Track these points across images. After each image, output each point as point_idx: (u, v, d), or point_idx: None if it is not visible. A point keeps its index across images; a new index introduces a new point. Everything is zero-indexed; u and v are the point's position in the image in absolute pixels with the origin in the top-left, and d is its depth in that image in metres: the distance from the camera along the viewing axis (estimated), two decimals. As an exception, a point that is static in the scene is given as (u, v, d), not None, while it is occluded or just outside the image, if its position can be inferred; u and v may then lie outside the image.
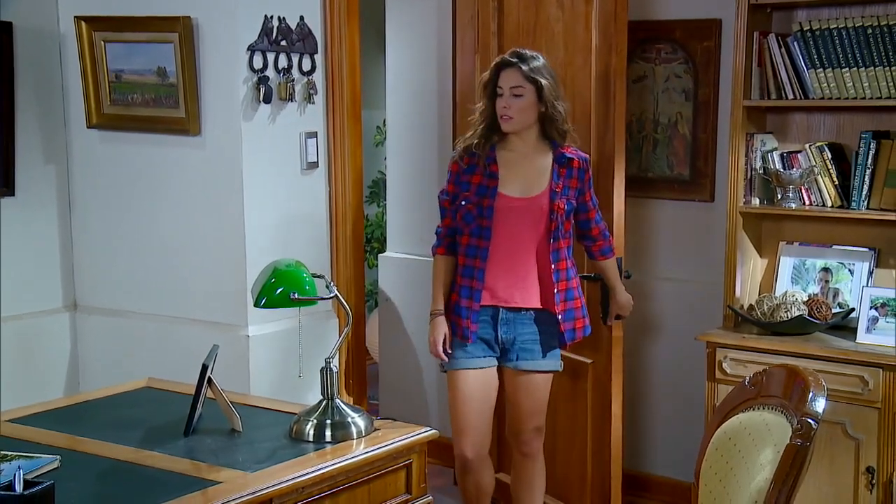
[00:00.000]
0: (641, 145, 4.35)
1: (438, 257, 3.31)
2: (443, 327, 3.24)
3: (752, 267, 3.96)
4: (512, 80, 3.23)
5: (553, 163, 3.31)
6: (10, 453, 2.25)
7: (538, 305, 3.30)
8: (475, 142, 3.27)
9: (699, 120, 4.20)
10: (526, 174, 3.30)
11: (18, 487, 1.80)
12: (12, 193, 3.58)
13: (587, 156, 3.39)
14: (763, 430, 2.17)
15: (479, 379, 3.26)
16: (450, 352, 3.24)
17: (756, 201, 3.88)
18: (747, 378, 2.32)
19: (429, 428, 2.59)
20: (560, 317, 3.31)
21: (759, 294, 3.94)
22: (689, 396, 4.22)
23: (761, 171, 3.86)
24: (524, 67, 3.23)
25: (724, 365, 3.71)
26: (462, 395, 3.24)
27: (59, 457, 2.26)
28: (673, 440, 4.36)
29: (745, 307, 3.87)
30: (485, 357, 3.27)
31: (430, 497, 2.59)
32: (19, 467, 1.90)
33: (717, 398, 3.65)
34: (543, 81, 3.23)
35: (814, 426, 2.02)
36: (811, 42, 3.68)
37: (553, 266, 3.28)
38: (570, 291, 3.34)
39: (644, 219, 4.39)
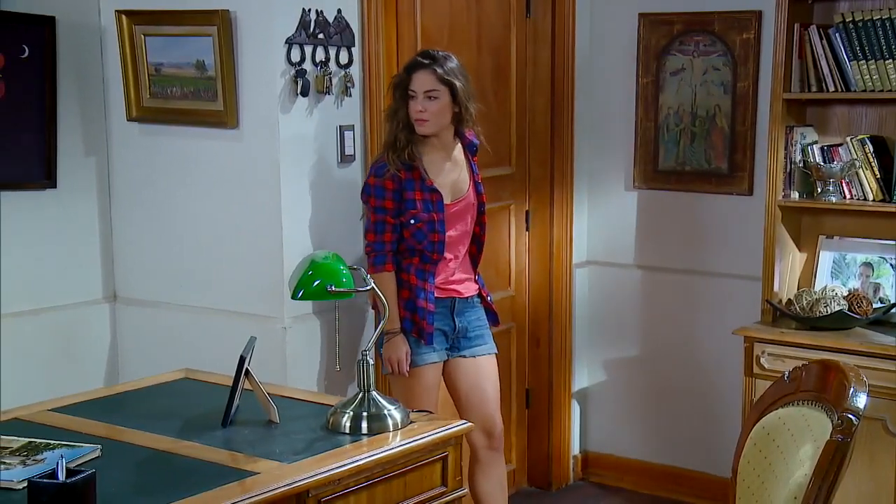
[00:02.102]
0: (679, 138, 4.32)
1: (387, 274, 3.26)
2: (404, 346, 3.28)
3: (790, 261, 3.93)
4: (426, 83, 3.22)
5: (464, 153, 3.41)
6: (52, 442, 2.28)
7: (475, 293, 3.45)
8: (405, 152, 3.25)
9: (738, 113, 4.16)
10: (452, 176, 3.37)
11: (61, 475, 1.83)
12: (54, 185, 3.62)
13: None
14: (802, 426, 2.15)
15: (437, 372, 3.37)
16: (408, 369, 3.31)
17: (795, 195, 3.84)
18: (786, 373, 2.30)
19: (465, 421, 2.59)
20: (489, 298, 3.50)
21: (798, 289, 3.90)
22: (725, 391, 4.19)
23: (801, 165, 3.82)
24: (438, 70, 3.22)
25: (762, 360, 3.68)
26: (424, 388, 3.30)
27: (99, 446, 2.29)
28: (709, 435, 4.34)
29: (784, 302, 3.84)
30: (440, 350, 3.35)
31: (466, 490, 2.60)
32: (62, 456, 1.93)
33: (755, 393, 3.63)
34: (457, 83, 3.23)
35: (855, 422, 2.00)
36: (853, 33, 3.63)
37: (478, 254, 3.48)
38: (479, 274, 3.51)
39: (681, 212, 4.37)
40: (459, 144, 3.39)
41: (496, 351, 3.51)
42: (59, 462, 1.85)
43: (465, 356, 3.40)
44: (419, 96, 3.23)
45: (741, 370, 3.76)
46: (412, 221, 3.27)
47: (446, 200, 3.32)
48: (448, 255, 3.35)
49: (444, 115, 3.26)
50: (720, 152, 4.23)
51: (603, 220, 4.57)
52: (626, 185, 4.50)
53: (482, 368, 3.42)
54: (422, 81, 3.23)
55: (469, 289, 3.44)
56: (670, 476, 4.45)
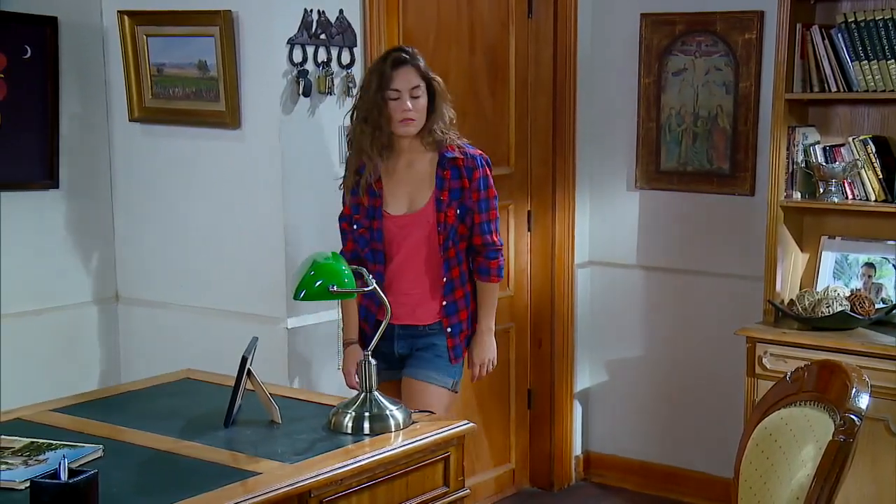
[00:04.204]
0: (681, 139, 4.32)
1: None
2: (354, 356, 3.06)
3: (792, 261, 3.93)
4: (411, 79, 3.00)
5: (436, 167, 3.05)
6: (54, 442, 2.28)
7: (435, 320, 3.10)
8: (373, 157, 3.03)
9: (740, 113, 4.16)
10: (410, 186, 3.07)
11: (63, 476, 1.83)
12: (56, 186, 3.62)
13: (479, 153, 3.11)
14: (805, 427, 2.15)
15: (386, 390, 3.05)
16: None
17: (797, 195, 3.84)
18: (788, 373, 2.30)
19: (466, 421, 2.59)
20: (449, 330, 3.10)
21: (800, 289, 3.90)
22: (727, 391, 4.19)
23: (803, 165, 3.82)
24: (420, 65, 3.01)
25: (764, 360, 3.68)
26: None
27: (101, 446, 2.29)
28: (711, 435, 4.33)
29: (786, 302, 3.84)
30: (385, 370, 3.01)
31: (468, 490, 2.59)
32: (64, 456, 1.93)
33: (757, 393, 3.63)
34: (434, 81, 3.03)
35: (857, 422, 2.00)
36: (856, 33, 3.63)
37: (445, 278, 3.08)
38: (458, 303, 3.11)
39: (683, 212, 4.37)
40: (433, 154, 3.07)
41: (439, 383, 3.11)
42: (62, 462, 1.85)
43: (403, 376, 3.13)
44: (404, 94, 3.00)
45: (743, 370, 3.76)
46: (355, 227, 3.10)
47: (394, 211, 3.07)
48: (403, 272, 3.08)
49: (424, 115, 3.04)
50: (722, 153, 4.23)
51: (605, 221, 4.56)
52: (628, 185, 4.49)
53: (409, 391, 3.08)
54: (406, 78, 3.00)
55: (423, 315, 3.10)
56: (672, 476, 4.45)
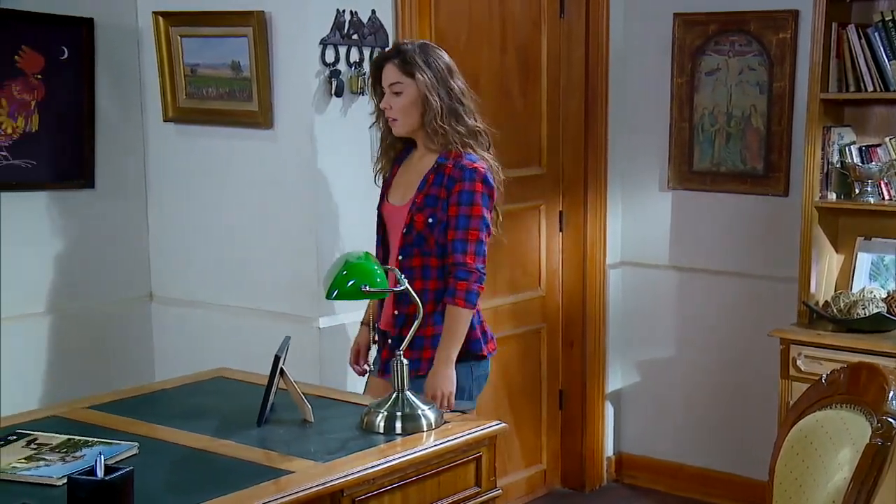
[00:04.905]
0: (714, 139, 4.30)
1: None
2: (359, 338, 3.10)
3: (827, 263, 3.89)
4: (390, 76, 2.91)
5: (429, 168, 2.94)
6: (91, 439, 2.31)
7: (386, 328, 3.00)
8: (381, 151, 3.05)
9: (774, 113, 4.13)
10: (408, 179, 2.99)
11: (100, 472, 1.84)
12: (92, 185, 3.65)
13: (476, 166, 2.89)
14: (841, 429, 2.12)
15: (375, 385, 3.06)
16: (366, 367, 3.11)
17: (833, 196, 3.80)
18: (824, 375, 2.28)
19: (498, 422, 2.58)
20: (390, 342, 2.95)
21: (836, 290, 3.86)
22: (760, 393, 4.16)
23: (838, 165, 3.78)
24: (398, 61, 2.90)
25: (798, 362, 3.65)
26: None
27: (137, 443, 2.30)
28: (744, 437, 4.31)
29: (821, 304, 3.80)
30: (377, 367, 3.07)
31: (500, 490, 2.59)
32: (100, 453, 1.95)
33: (791, 396, 3.60)
34: (418, 74, 2.87)
35: (895, 425, 1.98)
36: (892, 32, 3.59)
37: (399, 284, 2.79)
38: (410, 318, 2.87)
39: (716, 213, 4.34)
40: (436, 155, 2.95)
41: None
42: (98, 459, 1.86)
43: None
44: (386, 92, 2.93)
45: (777, 372, 3.73)
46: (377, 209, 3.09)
47: (391, 200, 3.02)
48: (392, 264, 2.98)
49: (413, 112, 2.91)
50: (756, 153, 4.20)
51: (637, 221, 4.54)
52: (661, 185, 4.47)
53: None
54: (387, 76, 2.92)
55: (385, 318, 3.02)
56: (705, 478, 4.42)
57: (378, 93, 2.99)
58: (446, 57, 2.98)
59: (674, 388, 4.51)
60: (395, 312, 2.96)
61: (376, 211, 3.11)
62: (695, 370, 4.45)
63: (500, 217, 3.03)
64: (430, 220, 2.89)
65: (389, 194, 3.05)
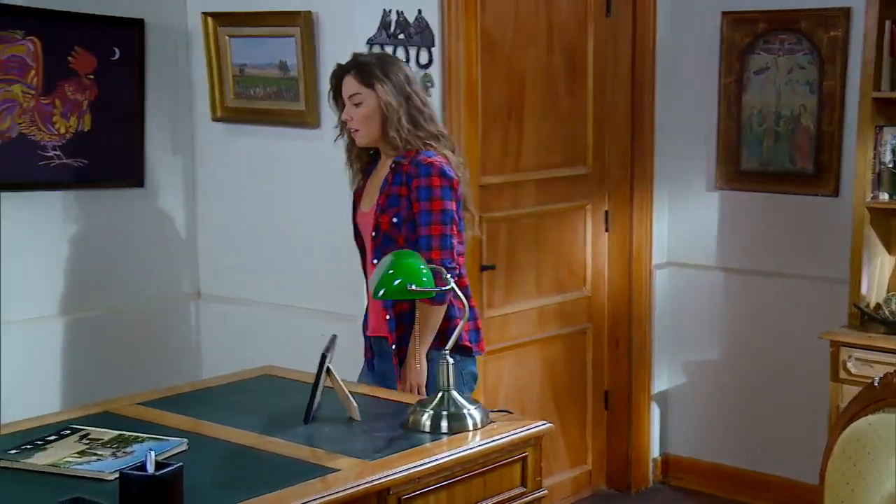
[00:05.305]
0: (762, 139, 4.26)
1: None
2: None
3: (879, 264, 3.83)
4: (349, 88, 2.95)
5: (390, 170, 2.97)
6: (141, 435, 2.34)
7: (381, 333, 3.02)
8: (351, 162, 3.07)
9: (824, 112, 4.08)
10: (374, 186, 3.03)
11: (150, 468, 1.87)
12: (141, 185, 3.70)
13: (431, 161, 2.91)
14: (895, 433, 2.09)
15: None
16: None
17: (885, 196, 3.75)
18: (876, 378, 2.24)
19: (544, 422, 2.58)
20: (394, 347, 2.96)
21: (888, 292, 3.81)
22: (810, 396, 4.11)
23: (890, 165, 3.73)
24: (357, 73, 2.93)
25: (849, 364, 3.60)
26: None
27: (186, 440, 2.33)
28: (793, 440, 4.26)
29: (872, 306, 3.75)
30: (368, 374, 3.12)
31: (546, 491, 2.58)
32: (151, 449, 1.97)
33: (842, 399, 3.55)
34: (378, 84, 2.91)
35: (949, 430, 1.94)
36: (947, 30, 3.53)
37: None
38: (404, 317, 2.93)
39: (764, 213, 4.30)
40: (388, 161, 2.99)
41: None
42: (149, 455, 1.89)
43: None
44: (347, 103, 2.97)
45: (826, 375, 3.68)
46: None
47: (362, 207, 3.06)
48: (368, 271, 3.03)
49: (373, 123, 2.94)
50: (805, 153, 4.15)
51: (683, 221, 4.51)
52: (708, 185, 4.43)
53: None
54: (346, 87, 2.97)
55: (376, 325, 3.05)
56: (753, 481, 4.38)
57: (339, 104, 3.02)
58: (405, 67, 3.02)
59: (721, 389, 4.47)
60: (388, 316, 2.95)
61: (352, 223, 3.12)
62: (743, 372, 4.40)
63: (476, 217, 3.06)
64: (395, 220, 2.92)
65: (361, 203, 3.09)
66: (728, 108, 4.31)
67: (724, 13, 4.28)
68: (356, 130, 2.97)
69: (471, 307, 2.96)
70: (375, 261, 2.94)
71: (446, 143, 3.01)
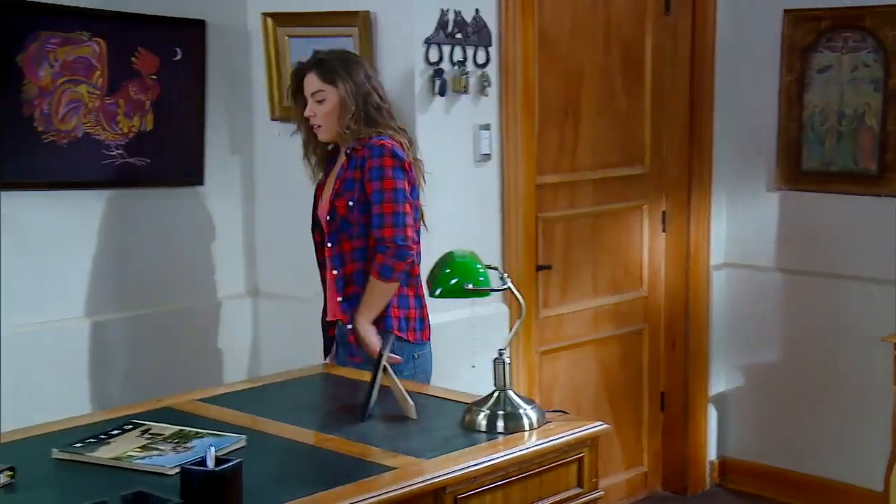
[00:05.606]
0: (824, 138, 4.19)
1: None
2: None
3: (945, 266, 3.76)
4: (311, 85, 3.08)
5: (344, 157, 3.09)
6: (201, 431, 2.37)
7: (338, 316, 3.11)
8: (309, 157, 3.18)
9: (889, 111, 4.01)
10: (333, 178, 3.14)
11: (210, 463, 1.89)
12: (201, 183, 3.75)
13: (383, 143, 3.02)
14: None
15: None
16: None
17: (951, 197, 3.67)
18: (942, 384, 2.20)
19: (601, 422, 2.56)
20: (349, 326, 3.04)
21: (953, 295, 3.73)
22: (871, 400, 4.04)
23: (957, 166, 3.65)
24: (319, 71, 3.05)
25: (913, 369, 3.53)
26: None
27: (244, 436, 2.35)
28: (853, 445, 4.19)
29: (937, 309, 3.67)
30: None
31: (602, 492, 2.57)
32: (211, 445, 1.99)
33: (905, 403, 3.48)
34: (339, 81, 3.02)
35: None
36: None
37: (336, 272, 3.06)
38: (357, 298, 3.04)
39: (826, 214, 4.23)
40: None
41: None
42: (209, 451, 1.91)
43: None
44: (309, 100, 3.08)
45: (889, 378, 3.62)
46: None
47: (322, 201, 3.16)
48: (329, 262, 3.13)
49: (333, 118, 3.05)
50: (869, 153, 4.08)
51: (742, 222, 4.46)
52: (768, 185, 4.38)
53: None
54: (307, 85, 3.09)
55: (333, 309, 3.15)
56: (812, 486, 4.31)
57: (299, 101, 3.13)
58: (366, 65, 3.15)
59: (780, 392, 4.41)
60: (340, 299, 3.07)
61: (311, 217, 3.21)
62: (802, 375, 4.34)
63: (423, 213, 3.15)
64: (350, 203, 3.01)
65: (321, 196, 3.17)
66: (789, 108, 4.25)
67: (786, 11, 4.22)
68: (319, 126, 3.08)
69: (419, 296, 3.10)
70: (330, 244, 3.06)
71: (404, 135, 3.11)
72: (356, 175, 3.02)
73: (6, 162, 3.29)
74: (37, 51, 3.33)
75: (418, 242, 3.11)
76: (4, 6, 3.24)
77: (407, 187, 3.03)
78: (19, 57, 3.29)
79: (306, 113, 3.10)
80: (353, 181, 3.03)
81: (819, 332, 4.27)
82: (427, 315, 3.19)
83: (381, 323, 3.06)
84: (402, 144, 3.07)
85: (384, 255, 2.99)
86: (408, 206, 3.02)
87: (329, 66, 3.05)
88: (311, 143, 3.18)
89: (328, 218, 3.07)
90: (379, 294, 3.01)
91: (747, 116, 4.40)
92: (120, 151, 3.55)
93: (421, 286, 3.13)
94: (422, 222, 3.17)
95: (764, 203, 4.39)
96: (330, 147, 3.21)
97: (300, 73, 3.12)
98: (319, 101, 3.06)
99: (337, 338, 3.19)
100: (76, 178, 3.47)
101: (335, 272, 3.08)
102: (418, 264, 3.13)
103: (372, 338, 3.02)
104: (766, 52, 4.31)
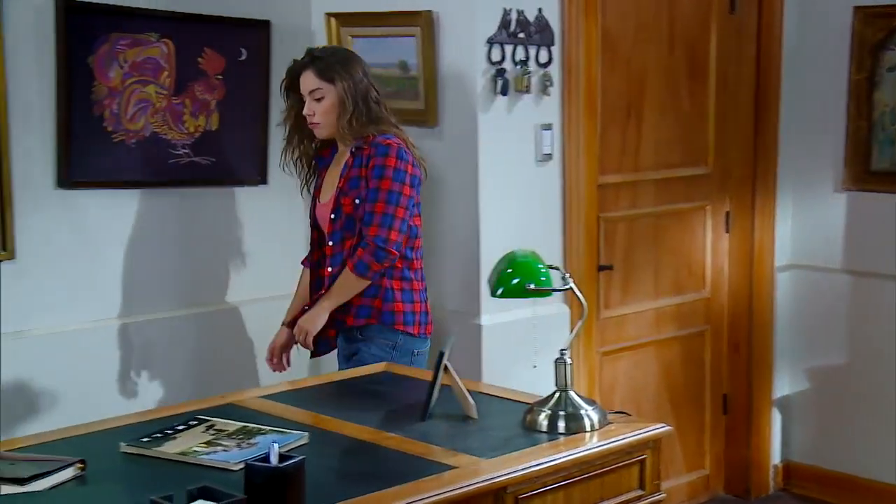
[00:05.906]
0: (894, 138, 4.10)
1: (303, 269, 3.30)
2: (278, 337, 3.30)
3: None
4: (308, 83, 3.08)
5: (347, 156, 3.11)
6: (264, 427, 2.39)
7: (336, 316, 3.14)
8: (288, 152, 3.21)
9: (962, 110, 3.91)
10: (333, 175, 3.15)
11: (274, 460, 1.91)
12: (265, 182, 3.79)
13: (389, 142, 3.06)
14: None
15: None
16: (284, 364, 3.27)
17: None
18: None
19: (663, 424, 2.54)
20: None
21: None
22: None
23: None
24: (317, 69, 3.06)
25: (981, 373, 3.44)
26: None
27: (307, 433, 2.38)
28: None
29: None
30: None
31: (664, 494, 2.55)
32: (274, 441, 2.01)
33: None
34: (337, 79, 3.04)
35: None
36: None
37: (332, 269, 3.10)
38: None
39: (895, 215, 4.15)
40: (347, 150, 3.15)
41: None
42: (272, 447, 1.93)
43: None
44: (307, 98, 3.09)
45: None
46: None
47: (321, 200, 3.20)
48: (327, 260, 3.16)
49: (332, 115, 3.08)
50: (941, 152, 3.99)
51: (809, 223, 4.39)
52: (835, 186, 4.30)
53: None
54: (305, 83, 3.10)
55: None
56: (878, 492, 4.23)
57: (291, 98, 3.17)
58: (362, 62, 3.16)
59: (847, 397, 4.33)
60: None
61: (309, 216, 3.25)
62: (868, 378, 4.26)
63: (420, 209, 3.18)
64: (357, 201, 3.04)
65: (319, 197, 3.19)
66: (858, 107, 4.17)
67: (855, 8, 4.14)
68: (317, 124, 3.09)
69: (423, 290, 3.15)
70: (331, 242, 3.07)
71: (401, 133, 3.14)
72: (362, 173, 3.06)
73: (77, 162, 3.36)
74: (107, 52, 3.40)
75: (420, 237, 3.15)
76: (75, 8, 3.31)
77: (406, 191, 3.06)
78: (90, 59, 3.36)
79: (305, 111, 3.12)
80: (358, 179, 3.06)
81: (885, 336, 4.19)
82: (430, 310, 3.22)
83: (381, 319, 3.09)
84: (406, 142, 3.10)
85: (364, 251, 3.04)
86: (401, 210, 3.05)
87: (326, 63, 3.07)
88: (294, 138, 3.20)
89: (332, 216, 3.09)
90: (349, 287, 3.06)
91: (814, 116, 4.32)
92: (186, 151, 3.60)
93: (424, 281, 3.19)
94: (417, 222, 3.17)
95: (831, 204, 4.32)
96: (316, 144, 3.22)
97: (296, 70, 3.14)
98: (318, 99, 3.08)
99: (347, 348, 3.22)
100: (143, 177, 3.54)
101: (330, 269, 3.11)
102: (419, 259, 3.17)
103: (318, 324, 3.08)
104: (834, 51, 4.23)
